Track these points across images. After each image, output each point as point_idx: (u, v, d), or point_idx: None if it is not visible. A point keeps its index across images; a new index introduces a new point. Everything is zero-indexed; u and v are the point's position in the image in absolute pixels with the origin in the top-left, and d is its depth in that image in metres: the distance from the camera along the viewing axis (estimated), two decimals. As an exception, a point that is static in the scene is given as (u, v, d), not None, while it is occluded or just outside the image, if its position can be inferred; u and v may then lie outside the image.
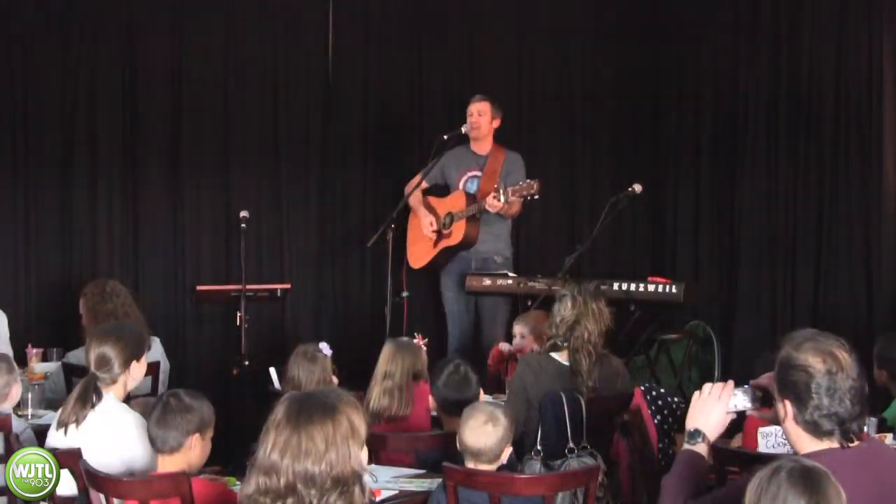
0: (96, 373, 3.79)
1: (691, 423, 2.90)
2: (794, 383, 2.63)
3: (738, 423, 3.91)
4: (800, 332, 2.72)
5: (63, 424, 3.70)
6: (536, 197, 6.29)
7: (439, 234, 6.64)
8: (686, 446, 2.89)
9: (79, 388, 3.76)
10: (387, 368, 4.43)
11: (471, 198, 6.58)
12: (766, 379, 2.81)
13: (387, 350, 4.51)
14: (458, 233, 6.57)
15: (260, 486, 2.36)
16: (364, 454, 2.46)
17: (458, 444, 3.53)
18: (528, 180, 6.31)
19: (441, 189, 6.82)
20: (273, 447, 2.36)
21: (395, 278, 6.47)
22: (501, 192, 6.31)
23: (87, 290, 5.64)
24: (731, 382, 2.91)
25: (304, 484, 2.32)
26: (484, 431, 3.45)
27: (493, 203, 6.32)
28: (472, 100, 6.66)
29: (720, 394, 2.88)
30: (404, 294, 6.12)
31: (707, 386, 2.92)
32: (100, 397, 3.73)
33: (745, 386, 2.89)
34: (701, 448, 2.87)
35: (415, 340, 4.74)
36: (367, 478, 2.41)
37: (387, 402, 4.36)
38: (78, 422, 3.69)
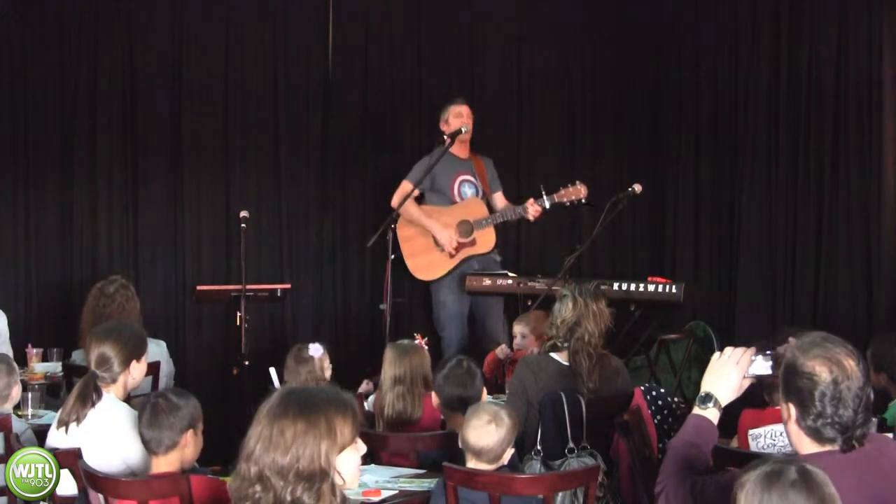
0: (96, 371, 3.80)
1: (704, 386, 2.85)
2: (798, 389, 2.60)
3: (735, 423, 3.91)
4: (809, 336, 2.67)
5: (63, 423, 3.71)
6: (584, 201, 6.31)
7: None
8: (696, 410, 2.85)
9: (78, 387, 3.77)
10: (395, 373, 4.38)
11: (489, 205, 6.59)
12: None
13: (389, 354, 4.45)
14: (486, 240, 6.56)
15: (241, 473, 2.45)
16: (349, 459, 2.47)
17: (459, 442, 3.52)
18: (571, 185, 6.32)
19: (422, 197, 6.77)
20: (252, 436, 2.46)
21: (395, 279, 6.45)
22: (545, 198, 6.30)
23: (93, 288, 5.62)
24: (752, 348, 2.86)
25: (271, 473, 2.40)
26: (487, 431, 3.43)
27: (536, 210, 6.35)
28: (457, 101, 6.65)
29: (738, 358, 2.83)
30: (381, 306, 6.06)
31: (728, 349, 2.87)
32: (100, 396, 3.75)
33: (768, 352, 2.83)
34: (711, 413, 2.83)
35: (416, 342, 4.70)
36: (338, 480, 2.44)
37: (401, 405, 4.33)
38: (78, 420, 3.70)
